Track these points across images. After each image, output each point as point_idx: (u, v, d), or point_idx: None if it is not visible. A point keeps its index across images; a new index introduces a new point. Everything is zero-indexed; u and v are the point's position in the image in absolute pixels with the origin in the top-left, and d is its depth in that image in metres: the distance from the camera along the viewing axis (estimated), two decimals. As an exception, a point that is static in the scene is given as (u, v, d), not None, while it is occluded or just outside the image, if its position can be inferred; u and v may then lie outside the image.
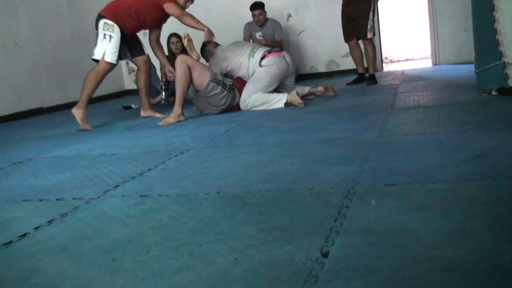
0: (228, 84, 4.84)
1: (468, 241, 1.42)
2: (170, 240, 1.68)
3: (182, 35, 6.57)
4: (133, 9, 4.84)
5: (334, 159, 2.58)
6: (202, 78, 4.72)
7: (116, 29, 4.75)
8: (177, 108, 4.62)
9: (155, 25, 5.18)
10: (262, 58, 4.97)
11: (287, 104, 4.75)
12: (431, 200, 1.80)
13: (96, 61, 4.78)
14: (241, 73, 5.09)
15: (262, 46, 5.25)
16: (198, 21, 4.74)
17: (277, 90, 5.13)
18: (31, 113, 6.62)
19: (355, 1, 6.15)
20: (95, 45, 4.78)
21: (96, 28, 4.82)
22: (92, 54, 4.78)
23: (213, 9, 8.17)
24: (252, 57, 5.01)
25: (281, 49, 7.09)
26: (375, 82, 6.16)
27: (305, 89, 5.33)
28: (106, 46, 4.70)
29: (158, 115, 5.19)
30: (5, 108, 6.23)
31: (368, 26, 6.17)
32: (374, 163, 2.42)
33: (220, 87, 4.76)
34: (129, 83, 8.94)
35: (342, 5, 6.36)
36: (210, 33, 4.63)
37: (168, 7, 4.78)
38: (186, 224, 1.83)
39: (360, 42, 6.41)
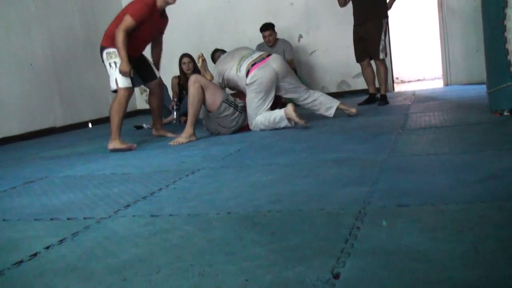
0: (239, 105, 4.85)
1: (481, 263, 1.41)
2: (180, 260, 1.68)
3: (195, 55, 6.65)
4: None
5: (345, 180, 2.58)
6: (214, 98, 4.74)
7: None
8: (188, 128, 4.64)
9: (154, 36, 5.09)
10: (248, 72, 4.88)
11: (290, 120, 4.67)
12: (443, 221, 1.79)
13: (115, 91, 4.77)
14: (239, 87, 5.09)
15: (250, 56, 5.03)
16: (121, 49, 4.56)
17: (279, 99, 5.17)
18: (43, 133, 6.67)
19: (366, 22, 6.15)
20: (109, 77, 4.77)
21: (102, 61, 4.84)
22: (110, 87, 4.78)
23: (226, 31, 8.24)
24: (239, 71, 4.95)
25: (293, 69, 7.16)
26: (387, 102, 6.15)
27: (330, 105, 5.20)
28: (116, 74, 4.66)
29: (169, 134, 5.18)
30: (18, 128, 6.29)
31: (380, 47, 6.17)
32: (385, 184, 2.40)
33: (232, 108, 4.77)
34: (141, 103, 9.00)
35: (354, 26, 6.36)
36: (124, 72, 4.56)
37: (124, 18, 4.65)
38: (197, 244, 1.83)
39: (372, 62, 6.42)
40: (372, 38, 6.15)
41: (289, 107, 4.62)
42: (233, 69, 4.99)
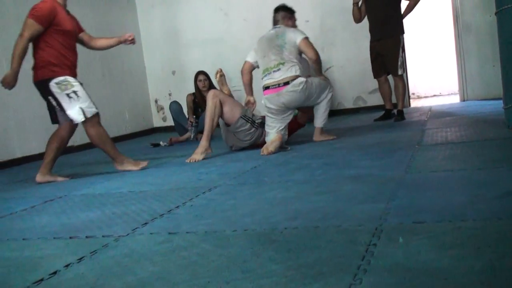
0: (257, 121, 4.88)
1: (499, 281, 1.40)
2: (197, 278, 1.69)
3: (210, 73, 6.71)
4: (50, 43, 4.33)
5: (362, 196, 2.58)
6: (232, 113, 4.78)
7: (70, 79, 4.34)
8: (204, 142, 4.66)
9: (74, 40, 4.67)
10: (264, 90, 4.91)
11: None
12: (460, 239, 1.78)
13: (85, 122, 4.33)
14: None
15: (272, 74, 4.85)
16: (16, 57, 4.18)
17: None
18: (62, 152, 6.72)
19: (384, 38, 6.15)
20: (66, 112, 4.28)
21: (47, 98, 4.33)
22: (75, 120, 4.30)
23: (241, 49, 8.28)
24: (262, 79, 4.98)
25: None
26: (403, 118, 6.14)
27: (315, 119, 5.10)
28: (80, 103, 4.25)
29: (60, 179, 4.45)
30: (38, 147, 6.36)
31: (399, 63, 6.17)
32: (402, 200, 2.40)
33: (249, 124, 4.81)
34: (157, 121, 9.07)
35: (371, 41, 6.36)
36: (4, 82, 4.21)
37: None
38: (214, 261, 1.84)
39: (389, 77, 6.42)
40: (391, 54, 6.15)
41: (272, 141, 4.63)
42: (261, 71, 5.01)
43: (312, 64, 5.05)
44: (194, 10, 8.68)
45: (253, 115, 4.93)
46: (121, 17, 8.43)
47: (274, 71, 4.83)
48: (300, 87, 4.71)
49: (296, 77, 4.75)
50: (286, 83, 4.75)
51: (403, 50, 6.38)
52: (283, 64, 4.81)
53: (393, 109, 6.44)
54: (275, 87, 4.79)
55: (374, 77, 6.50)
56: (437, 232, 1.87)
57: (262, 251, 1.88)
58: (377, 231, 1.96)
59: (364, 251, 1.75)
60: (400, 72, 6.21)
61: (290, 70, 4.77)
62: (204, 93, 6.66)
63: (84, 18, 7.50)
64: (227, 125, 4.85)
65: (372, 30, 6.34)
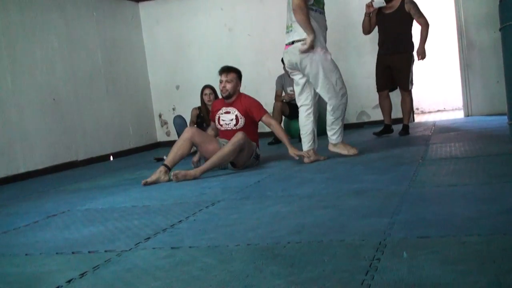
0: (259, 154, 4.96)
1: (504, 296, 1.39)
2: (200, 293, 1.68)
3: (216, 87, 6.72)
4: None
5: (365, 211, 2.56)
6: (247, 154, 4.72)
7: None
8: (198, 172, 4.47)
9: None
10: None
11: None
12: (465, 254, 1.77)
13: None
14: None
15: (288, 31, 4.75)
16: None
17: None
18: (66, 166, 6.75)
19: (397, 53, 6.07)
20: None
21: None
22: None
23: (246, 63, 8.32)
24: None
25: None
26: (408, 133, 6.13)
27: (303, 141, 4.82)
28: None
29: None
30: (41, 162, 6.38)
31: (410, 78, 6.15)
32: (406, 215, 2.39)
33: (253, 159, 4.85)
34: (161, 136, 9.08)
35: (380, 54, 6.26)
36: None
37: None
38: (217, 276, 1.83)
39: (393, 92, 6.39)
40: (404, 69, 6.08)
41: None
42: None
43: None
44: (198, 26, 8.73)
45: (257, 148, 4.90)
46: (126, 33, 8.48)
47: (288, 31, 4.75)
48: (302, 48, 4.49)
49: (303, 40, 4.53)
50: (292, 43, 4.66)
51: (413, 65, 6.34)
52: (291, 25, 4.69)
53: (391, 124, 6.38)
54: (287, 45, 4.75)
55: (378, 90, 6.40)
56: (442, 247, 1.86)
57: (265, 266, 1.87)
58: (381, 245, 1.95)
59: (368, 266, 1.74)
60: (410, 87, 6.18)
61: (298, 32, 4.59)
62: (210, 107, 6.67)
63: (88, 33, 7.56)
64: (235, 166, 4.76)
65: (383, 43, 6.23)
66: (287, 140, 4.75)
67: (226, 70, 4.99)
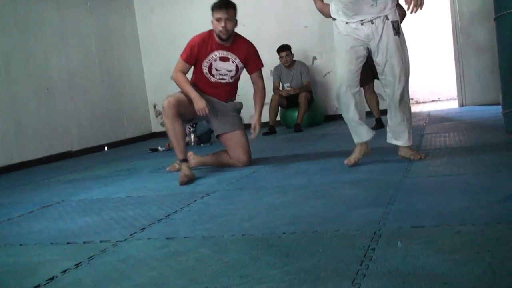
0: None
1: (498, 286, 1.39)
2: (195, 283, 1.68)
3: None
4: None
5: (360, 201, 2.57)
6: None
7: None
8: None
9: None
10: None
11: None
12: (459, 243, 1.77)
13: None
14: None
15: None
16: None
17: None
18: (60, 157, 6.73)
19: None
20: None
21: None
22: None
23: (239, 53, 8.31)
24: None
25: (309, 91, 7.16)
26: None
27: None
28: None
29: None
30: (35, 152, 6.35)
31: None
32: (400, 205, 2.39)
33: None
34: (156, 126, 9.06)
35: None
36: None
37: None
38: (212, 266, 1.83)
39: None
40: None
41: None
42: None
43: None
44: (193, 15, 8.68)
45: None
46: (120, 23, 8.43)
47: None
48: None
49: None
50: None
51: None
52: None
53: (379, 117, 6.27)
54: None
55: (361, 86, 6.18)
56: (436, 236, 1.87)
57: (260, 256, 1.88)
58: (376, 235, 1.96)
59: (362, 256, 1.74)
60: None
61: None
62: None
63: (82, 23, 7.52)
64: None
65: None
66: (260, 108, 4.21)
67: (225, 5, 4.01)
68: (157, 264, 1.93)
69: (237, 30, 4.17)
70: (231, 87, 4.22)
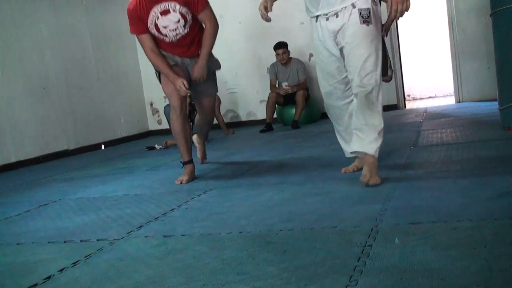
0: None
1: (495, 281, 1.40)
2: (193, 281, 1.68)
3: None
4: None
5: (357, 197, 2.57)
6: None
7: None
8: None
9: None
10: None
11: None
12: (456, 239, 1.77)
13: None
14: None
15: None
16: None
17: None
18: (57, 156, 6.72)
19: None
20: None
21: None
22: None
23: (236, 51, 8.29)
24: None
25: (305, 88, 7.16)
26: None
27: None
28: None
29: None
30: (32, 151, 6.34)
31: (389, 63, 6.07)
32: (397, 201, 2.40)
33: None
34: (153, 124, 9.05)
35: None
36: None
37: None
38: (209, 264, 1.83)
39: None
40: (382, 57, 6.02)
41: None
42: None
43: None
44: (189, 13, 8.68)
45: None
46: (116, 20, 8.41)
47: None
48: None
49: None
50: None
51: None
52: None
53: None
54: None
55: None
56: (433, 232, 1.87)
57: (257, 253, 1.88)
58: (373, 232, 1.96)
59: (360, 252, 1.75)
60: (389, 73, 6.08)
61: None
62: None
63: (78, 21, 7.50)
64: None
65: None
66: (205, 50, 3.69)
67: None
68: (154, 262, 1.93)
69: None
70: (193, 36, 3.72)
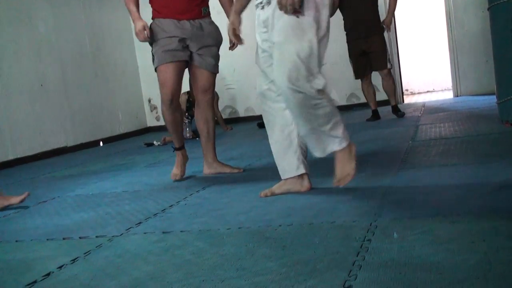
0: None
1: (493, 275, 1.40)
2: (192, 277, 1.68)
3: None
4: None
5: (356, 192, 2.57)
6: None
7: None
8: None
9: None
10: None
11: None
12: (455, 233, 1.78)
13: None
14: None
15: None
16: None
17: None
18: (55, 152, 6.71)
19: (371, 35, 5.93)
20: None
21: None
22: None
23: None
24: None
25: None
26: (402, 112, 6.03)
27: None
28: None
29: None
30: (30, 148, 6.33)
31: (387, 57, 6.05)
32: (396, 196, 2.40)
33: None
34: (151, 121, 9.05)
35: (353, 39, 6.04)
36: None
37: None
38: (208, 260, 1.83)
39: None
40: (381, 50, 5.97)
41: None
42: None
43: None
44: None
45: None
46: (113, 16, 8.39)
47: None
48: None
49: None
50: None
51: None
52: None
53: (377, 109, 6.25)
54: None
55: (358, 77, 6.17)
56: (432, 227, 1.87)
57: (256, 249, 1.88)
58: (372, 227, 1.96)
59: (359, 247, 1.75)
60: (389, 66, 6.02)
61: None
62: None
63: (75, 17, 7.48)
64: None
65: (353, 28, 6.00)
66: (231, 13, 3.12)
67: None
68: (153, 258, 1.93)
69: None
70: None
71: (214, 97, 3.36)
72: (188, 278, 1.67)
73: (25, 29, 6.48)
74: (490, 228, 1.78)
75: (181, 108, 3.63)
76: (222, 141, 5.86)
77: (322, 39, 2.48)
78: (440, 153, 3.35)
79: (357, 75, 6.18)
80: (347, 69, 7.99)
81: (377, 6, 6.04)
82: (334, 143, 2.52)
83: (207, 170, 3.67)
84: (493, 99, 4.82)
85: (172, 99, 3.49)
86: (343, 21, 6.20)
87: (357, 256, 1.67)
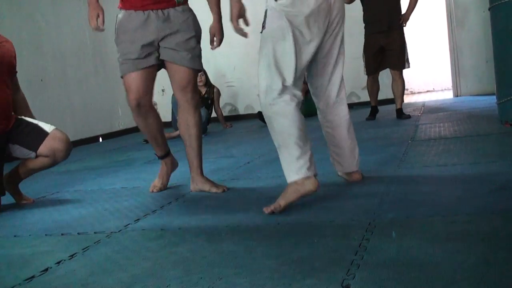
0: None
1: (492, 275, 1.40)
2: (190, 274, 1.68)
3: (207, 66, 6.68)
4: None
5: (355, 191, 2.57)
6: None
7: None
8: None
9: None
10: None
11: None
12: (453, 233, 1.78)
13: None
14: None
15: None
16: None
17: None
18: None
19: (392, 30, 5.53)
20: None
21: None
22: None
23: (235, 44, 8.23)
24: None
25: (305, 83, 7.13)
26: (406, 115, 5.70)
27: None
28: None
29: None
30: (29, 143, 6.32)
31: (406, 56, 5.68)
32: (395, 195, 2.40)
33: None
34: (151, 117, 9.04)
35: (371, 33, 5.62)
36: None
37: None
38: (206, 257, 1.83)
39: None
40: (400, 47, 5.60)
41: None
42: None
43: None
44: (187, 6, 8.66)
45: None
46: (114, 12, 8.37)
47: None
48: None
49: None
50: None
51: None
52: None
53: (377, 106, 6.08)
54: None
55: (371, 73, 5.79)
56: (430, 226, 1.87)
57: (255, 247, 1.88)
58: (370, 226, 1.96)
59: (357, 246, 1.75)
60: (407, 66, 5.69)
61: None
62: (201, 88, 6.66)
63: (76, 12, 7.47)
64: None
65: (374, 20, 5.56)
66: (217, 10, 3.26)
67: None
68: (151, 255, 1.93)
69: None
70: None
71: (197, 97, 3.04)
72: (186, 275, 1.67)
73: (25, 23, 6.47)
74: (489, 228, 1.78)
75: (155, 112, 3.26)
76: (222, 138, 5.86)
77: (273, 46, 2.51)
78: (440, 153, 3.35)
79: (369, 72, 5.82)
80: (348, 68, 7.97)
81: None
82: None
83: (191, 185, 3.07)
84: (493, 99, 4.81)
85: (139, 104, 3.09)
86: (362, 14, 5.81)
87: (355, 255, 1.66)
